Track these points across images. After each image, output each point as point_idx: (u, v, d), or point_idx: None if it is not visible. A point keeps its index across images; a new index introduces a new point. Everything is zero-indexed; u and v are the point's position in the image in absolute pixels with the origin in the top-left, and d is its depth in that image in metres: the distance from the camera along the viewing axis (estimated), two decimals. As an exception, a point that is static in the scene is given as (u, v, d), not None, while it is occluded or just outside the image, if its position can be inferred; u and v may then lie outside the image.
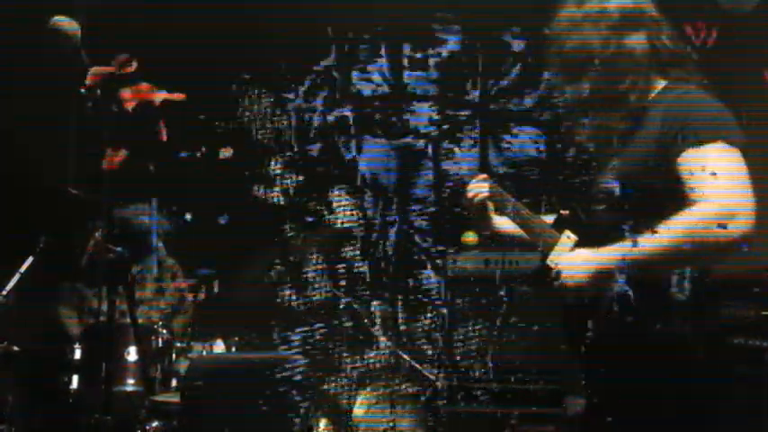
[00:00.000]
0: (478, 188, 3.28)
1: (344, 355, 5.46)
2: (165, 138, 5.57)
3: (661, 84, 2.86)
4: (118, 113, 5.00)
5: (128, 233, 4.79)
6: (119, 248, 3.58)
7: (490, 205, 3.29)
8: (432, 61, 6.19)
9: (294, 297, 5.73)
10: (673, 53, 2.89)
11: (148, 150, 5.57)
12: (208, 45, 5.78)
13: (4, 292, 4.50)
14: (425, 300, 5.83)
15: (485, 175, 3.34)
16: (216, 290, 5.50)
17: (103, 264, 3.58)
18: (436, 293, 5.81)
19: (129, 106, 5.58)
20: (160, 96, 5.36)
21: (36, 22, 3.48)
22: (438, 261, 5.80)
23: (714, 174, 2.63)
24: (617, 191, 2.85)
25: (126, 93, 5.56)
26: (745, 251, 2.63)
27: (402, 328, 5.81)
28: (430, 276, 5.91)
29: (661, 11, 2.94)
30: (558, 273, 2.85)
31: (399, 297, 5.91)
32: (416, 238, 6.07)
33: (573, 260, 2.85)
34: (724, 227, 2.59)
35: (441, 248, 5.82)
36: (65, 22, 3.34)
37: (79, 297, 4.97)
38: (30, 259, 4.59)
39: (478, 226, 3.45)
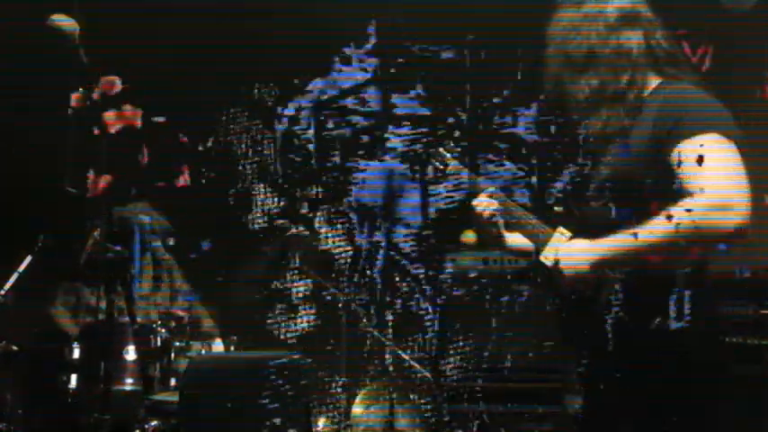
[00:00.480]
0: (487, 203, 3.18)
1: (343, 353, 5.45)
2: (145, 160, 5.62)
3: (656, 81, 2.89)
4: (100, 136, 5.05)
5: (126, 232, 4.79)
6: (117, 247, 3.58)
7: (501, 221, 3.20)
8: (419, 83, 6.18)
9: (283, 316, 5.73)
10: (668, 52, 2.92)
11: (131, 174, 5.63)
12: (196, 63, 5.79)
13: (3, 292, 4.50)
14: (420, 301, 5.84)
15: (492, 188, 3.25)
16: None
17: (102, 262, 3.58)
18: (431, 294, 5.83)
19: (113, 129, 5.63)
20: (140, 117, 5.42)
21: (35, 21, 3.49)
22: (426, 285, 5.82)
23: (709, 165, 2.64)
24: (612, 187, 2.86)
25: (110, 115, 5.63)
26: (723, 250, 2.64)
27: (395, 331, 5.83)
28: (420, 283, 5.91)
29: (656, 11, 2.97)
30: (557, 262, 2.86)
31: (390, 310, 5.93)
32: (403, 262, 6.07)
33: (571, 249, 2.86)
34: (719, 218, 2.60)
35: (428, 272, 5.85)
36: (63, 21, 3.34)
37: (77, 295, 4.96)
38: (28, 258, 4.59)
39: (492, 243, 3.33)
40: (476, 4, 5.80)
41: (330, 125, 6.10)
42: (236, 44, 5.86)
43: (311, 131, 6.12)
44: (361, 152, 6.09)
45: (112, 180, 5.40)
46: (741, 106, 3.09)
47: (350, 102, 6.12)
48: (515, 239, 3.23)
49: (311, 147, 6.10)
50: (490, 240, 3.25)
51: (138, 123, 5.47)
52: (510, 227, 3.20)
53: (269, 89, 6.01)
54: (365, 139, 6.08)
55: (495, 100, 6.07)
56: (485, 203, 3.19)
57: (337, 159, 6.04)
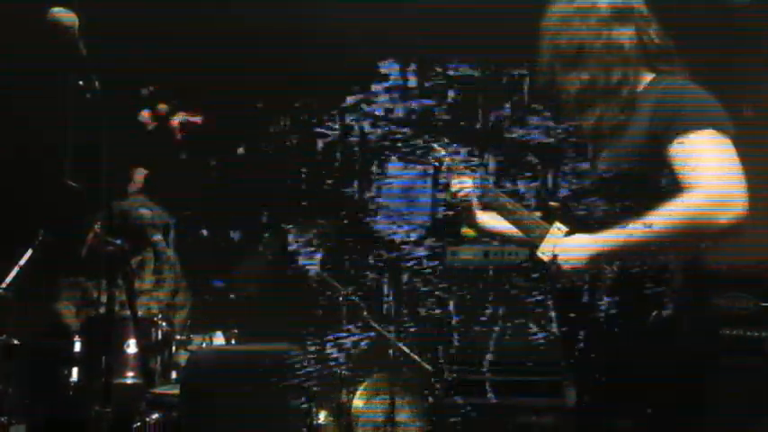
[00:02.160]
0: (461, 183, 3.30)
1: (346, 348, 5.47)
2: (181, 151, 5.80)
3: (650, 77, 2.90)
4: (138, 134, 5.28)
5: (127, 225, 4.79)
6: (118, 240, 3.58)
7: (475, 201, 3.31)
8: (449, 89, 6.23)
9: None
10: (660, 48, 2.93)
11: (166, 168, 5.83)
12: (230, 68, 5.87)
13: (4, 285, 4.51)
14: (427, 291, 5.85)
15: (467, 173, 3.34)
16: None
17: (103, 256, 3.58)
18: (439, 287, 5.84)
19: (149, 127, 5.87)
20: (179, 117, 5.73)
21: (35, 14, 3.48)
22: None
23: (705, 161, 2.66)
24: (609, 182, 2.88)
25: (145, 114, 5.89)
26: (736, 240, 2.66)
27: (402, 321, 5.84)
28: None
29: (655, 5, 2.98)
30: (555, 257, 2.87)
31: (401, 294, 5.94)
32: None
33: (569, 244, 2.87)
34: (716, 213, 2.62)
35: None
36: (62, 14, 3.34)
37: (78, 289, 4.97)
38: (29, 252, 4.59)
39: (466, 223, 3.45)
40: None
41: (366, 132, 6.18)
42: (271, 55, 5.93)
43: (351, 139, 6.19)
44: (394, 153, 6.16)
45: (148, 174, 5.67)
46: (740, 106, 3.11)
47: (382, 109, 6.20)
48: (491, 221, 3.30)
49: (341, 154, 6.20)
50: (464, 219, 3.35)
51: (174, 120, 5.72)
52: (486, 206, 3.27)
53: (308, 100, 6.10)
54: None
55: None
56: (459, 183, 3.27)
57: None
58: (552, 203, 3.06)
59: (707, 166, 2.66)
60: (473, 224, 3.39)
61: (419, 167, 6.09)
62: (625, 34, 2.91)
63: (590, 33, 2.91)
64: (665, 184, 2.72)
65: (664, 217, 2.68)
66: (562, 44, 2.94)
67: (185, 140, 5.91)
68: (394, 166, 6.13)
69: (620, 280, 2.78)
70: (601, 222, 2.83)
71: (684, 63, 2.94)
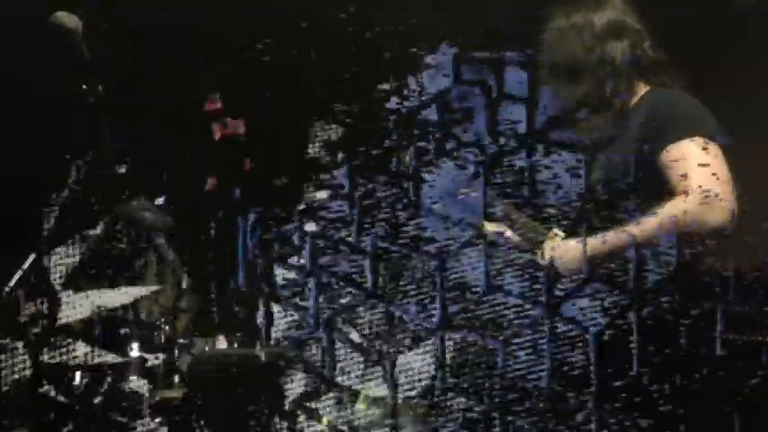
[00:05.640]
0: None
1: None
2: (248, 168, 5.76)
3: (645, 89, 2.96)
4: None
5: (129, 229, 4.80)
6: (121, 244, 3.59)
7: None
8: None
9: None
10: (654, 60, 2.99)
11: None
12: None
13: (8, 289, 4.52)
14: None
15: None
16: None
17: (105, 259, 3.59)
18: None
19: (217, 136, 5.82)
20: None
21: (37, 17, 3.50)
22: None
23: (693, 167, 2.73)
24: (603, 189, 2.93)
25: (216, 126, 5.84)
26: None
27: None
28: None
29: (648, 26, 3.03)
30: (552, 261, 2.92)
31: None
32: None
33: (566, 250, 2.91)
34: (704, 215, 2.69)
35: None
36: (65, 17, 3.35)
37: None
38: (32, 256, 4.60)
39: None
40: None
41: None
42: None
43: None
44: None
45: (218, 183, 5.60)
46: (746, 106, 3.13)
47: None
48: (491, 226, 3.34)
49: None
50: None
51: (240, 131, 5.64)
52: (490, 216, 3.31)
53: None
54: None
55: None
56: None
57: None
58: (507, 203, 3.11)
59: (694, 171, 2.73)
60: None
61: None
62: (618, 48, 2.98)
63: (584, 49, 2.98)
64: (658, 191, 2.78)
65: (654, 220, 2.75)
66: (558, 60, 3.01)
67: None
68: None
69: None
70: (596, 227, 2.89)
71: (680, 75, 3.00)
